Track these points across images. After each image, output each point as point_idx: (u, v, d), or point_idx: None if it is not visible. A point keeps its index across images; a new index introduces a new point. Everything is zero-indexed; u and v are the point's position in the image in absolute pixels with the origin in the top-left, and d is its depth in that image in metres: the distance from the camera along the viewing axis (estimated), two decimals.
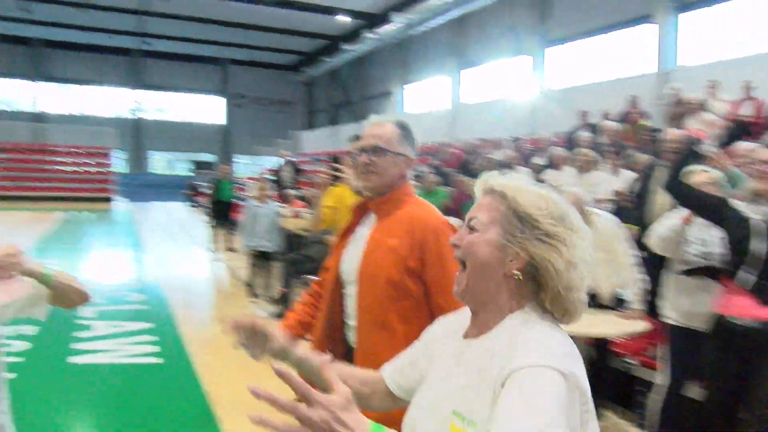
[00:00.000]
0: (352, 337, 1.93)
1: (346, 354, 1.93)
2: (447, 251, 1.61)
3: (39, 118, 29.63)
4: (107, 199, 22.35)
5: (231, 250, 11.19)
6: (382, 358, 1.42)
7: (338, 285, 1.99)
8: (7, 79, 31.45)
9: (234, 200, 11.22)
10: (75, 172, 24.25)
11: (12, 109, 31.28)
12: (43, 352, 5.07)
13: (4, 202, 19.33)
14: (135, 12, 24.03)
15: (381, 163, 1.90)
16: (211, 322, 6.61)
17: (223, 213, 11.17)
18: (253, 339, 1.50)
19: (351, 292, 1.93)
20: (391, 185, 1.94)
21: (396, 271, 1.82)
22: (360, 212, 2.03)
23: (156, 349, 5.33)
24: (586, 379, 0.99)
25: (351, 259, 1.94)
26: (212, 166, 26.07)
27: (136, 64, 32.94)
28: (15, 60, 31.41)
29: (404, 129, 1.96)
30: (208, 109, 35.87)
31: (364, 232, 1.96)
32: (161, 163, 35.52)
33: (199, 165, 31.60)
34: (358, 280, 1.88)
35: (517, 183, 1.12)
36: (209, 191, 12.26)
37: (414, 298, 1.84)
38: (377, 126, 1.97)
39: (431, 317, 1.62)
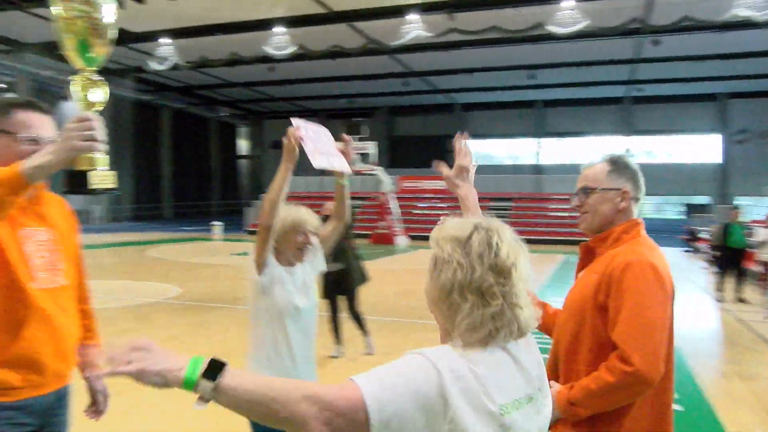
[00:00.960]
0: (560, 364, 1.91)
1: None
2: (631, 289, 1.70)
3: (538, 170, 33.23)
4: None
5: (741, 300, 10.19)
6: None
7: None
8: (514, 139, 36.53)
9: (745, 247, 10.24)
10: (570, 217, 26.21)
11: (516, 163, 36.05)
12: None
13: None
14: (629, 61, 24.72)
15: (590, 201, 1.90)
16: (732, 377, 6.13)
17: (732, 260, 10.29)
18: None
19: (566, 321, 1.91)
20: (610, 221, 1.90)
21: (587, 307, 1.80)
22: (585, 252, 1.99)
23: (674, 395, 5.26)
24: (458, 399, 1.05)
25: (571, 293, 1.95)
26: (707, 208, 24.29)
27: (626, 111, 33.67)
28: (521, 121, 36.24)
29: (615, 164, 1.92)
30: (701, 148, 33.73)
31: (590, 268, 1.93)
32: (650, 206, 35.01)
33: (693, 208, 29.83)
34: (563, 315, 1.89)
35: None
36: (714, 236, 11.48)
37: (605, 332, 1.77)
38: (586, 169, 1.97)
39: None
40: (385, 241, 22.03)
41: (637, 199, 1.93)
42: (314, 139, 2.28)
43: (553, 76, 27.94)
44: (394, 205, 23.74)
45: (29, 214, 1.89)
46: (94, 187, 1.54)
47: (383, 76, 28.89)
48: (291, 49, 21.28)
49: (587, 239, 1.98)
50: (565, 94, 32.96)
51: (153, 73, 25.90)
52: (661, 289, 1.77)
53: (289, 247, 2.53)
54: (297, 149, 2.24)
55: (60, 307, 1.92)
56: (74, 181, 1.53)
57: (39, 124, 1.83)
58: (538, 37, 20.11)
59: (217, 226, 26.19)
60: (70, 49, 1.52)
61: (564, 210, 26.30)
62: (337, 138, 2.48)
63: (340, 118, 36.53)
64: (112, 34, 1.52)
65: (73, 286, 2.02)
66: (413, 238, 24.09)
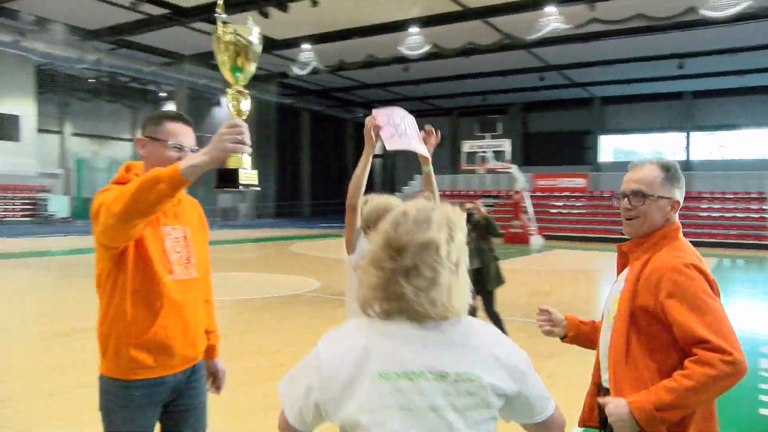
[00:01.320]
0: (604, 375, 1.95)
1: (597, 393, 1.99)
2: (685, 287, 1.73)
3: (686, 166, 30.81)
4: (763, 246, 21.11)
5: None
6: (627, 393, 1.70)
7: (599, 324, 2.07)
8: (658, 134, 34.15)
9: None
10: (722, 218, 24.05)
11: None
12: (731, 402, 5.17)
13: None
14: None
15: (643, 207, 1.89)
16: None
17: None
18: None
19: (605, 330, 1.95)
20: (656, 229, 1.91)
21: (634, 309, 1.82)
22: (623, 255, 2.01)
23: None
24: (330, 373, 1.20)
25: (609, 300, 2.00)
26: None
27: None
28: (666, 114, 33.82)
29: (669, 171, 1.92)
30: None
31: (626, 275, 1.94)
32: None
33: None
34: (614, 318, 1.89)
35: None
36: None
37: (656, 337, 1.79)
38: (638, 169, 1.94)
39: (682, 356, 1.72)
40: (519, 240, 21.58)
41: (680, 207, 1.95)
42: (395, 125, 2.45)
43: (704, 65, 25.80)
44: (528, 204, 23.19)
45: (169, 213, 2.13)
46: (241, 183, 1.73)
47: (518, 71, 28.27)
48: (425, 49, 21.47)
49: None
50: (718, 84, 30.27)
51: (294, 77, 27.26)
52: (711, 289, 1.78)
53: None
54: (374, 137, 2.43)
55: (190, 297, 2.13)
56: (224, 179, 1.74)
57: (183, 133, 2.12)
58: (690, 23, 18.67)
59: None
60: (224, 67, 1.76)
61: (716, 210, 24.22)
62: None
63: (473, 116, 36.26)
64: (258, 53, 1.74)
65: (202, 278, 2.22)
66: (548, 237, 23.37)
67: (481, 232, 6.01)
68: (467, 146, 23.90)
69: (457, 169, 36.89)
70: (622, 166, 35.08)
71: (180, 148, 2.09)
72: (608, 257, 17.92)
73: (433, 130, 2.57)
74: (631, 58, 25.25)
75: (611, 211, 24.79)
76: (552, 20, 18.58)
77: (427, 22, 20.61)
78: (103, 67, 25.13)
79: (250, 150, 1.71)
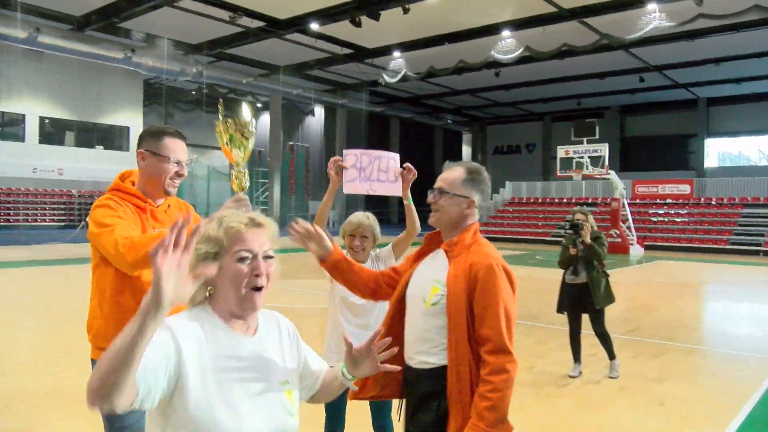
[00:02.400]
0: (408, 352, 2.13)
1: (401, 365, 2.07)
2: (493, 287, 1.99)
3: None
4: None
5: None
6: (466, 373, 1.98)
7: (402, 304, 2.19)
8: None
9: None
10: None
11: None
12: None
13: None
14: None
15: (442, 202, 2.13)
16: None
17: None
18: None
19: (414, 313, 2.12)
20: (455, 223, 2.14)
21: (465, 305, 2.00)
22: (431, 243, 2.22)
23: None
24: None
25: (420, 285, 2.13)
26: None
27: None
28: None
29: (471, 173, 2.15)
30: None
31: (433, 263, 2.16)
32: None
33: None
34: (448, 312, 2.02)
35: None
36: None
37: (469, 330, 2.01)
38: (448, 170, 2.19)
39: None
40: (618, 250, 20.56)
41: (480, 207, 2.18)
42: (361, 168, 2.58)
43: None
44: (627, 212, 22.08)
45: (158, 218, 2.32)
46: None
47: (616, 73, 27.09)
48: (518, 52, 20.98)
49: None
50: None
51: (384, 85, 27.46)
52: (512, 288, 2.05)
53: (347, 247, 3.13)
54: (335, 176, 2.58)
55: None
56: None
57: (181, 149, 2.31)
58: None
59: None
60: (226, 151, 2.04)
61: None
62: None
63: (567, 121, 35.13)
64: (253, 132, 2.05)
65: None
66: (648, 248, 22.15)
67: (587, 246, 5.56)
68: (562, 151, 23.06)
69: (549, 176, 35.85)
70: (729, 171, 32.96)
71: (178, 163, 2.29)
72: (716, 269, 16.71)
73: (411, 167, 2.66)
74: (743, 55, 23.59)
75: (719, 219, 23.15)
76: (654, 18, 17.62)
77: (520, 24, 20.13)
78: (203, 79, 26.35)
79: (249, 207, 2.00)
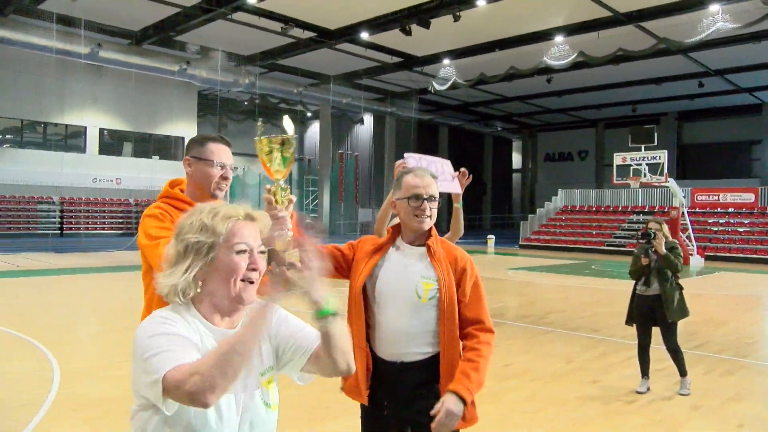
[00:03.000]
0: (396, 349, 2.27)
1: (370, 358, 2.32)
2: (478, 278, 2.38)
3: None
4: None
5: None
6: (456, 362, 2.22)
7: (363, 297, 2.33)
8: None
9: None
10: None
11: None
12: None
13: None
14: None
15: (435, 208, 2.34)
16: None
17: None
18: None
19: (402, 309, 2.26)
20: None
21: (455, 296, 2.27)
22: (394, 237, 2.39)
23: None
24: None
25: (403, 282, 2.28)
26: None
27: None
28: None
29: (435, 178, 2.38)
30: None
31: (409, 260, 2.33)
32: None
33: None
34: (441, 304, 2.24)
35: None
36: None
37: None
38: (426, 177, 2.35)
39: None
40: None
41: None
42: (427, 166, 2.74)
43: None
44: (687, 221, 21.27)
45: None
46: (287, 263, 1.87)
47: (673, 78, 26.23)
48: (571, 58, 20.54)
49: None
50: None
51: (434, 93, 27.35)
52: None
53: None
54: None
55: None
56: (271, 256, 1.85)
57: (224, 153, 2.34)
58: None
59: (491, 239, 26.50)
60: (266, 167, 1.99)
61: None
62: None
63: (620, 127, 34.27)
64: (294, 146, 1.97)
65: None
66: (708, 258, 21.28)
67: (662, 256, 5.29)
68: (619, 158, 22.39)
69: (602, 184, 34.94)
70: None
71: (222, 167, 2.32)
72: None
73: (467, 172, 2.98)
74: None
75: None
76: (717, 20, 16.97)
77: (574, 30, 19.70)
78: (255, 89, 26.80)
79: (291, 234, 1.91)
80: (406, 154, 2.80)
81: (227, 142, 2.38)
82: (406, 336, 2.25)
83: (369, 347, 2.33)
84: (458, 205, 3.04)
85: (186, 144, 2.40)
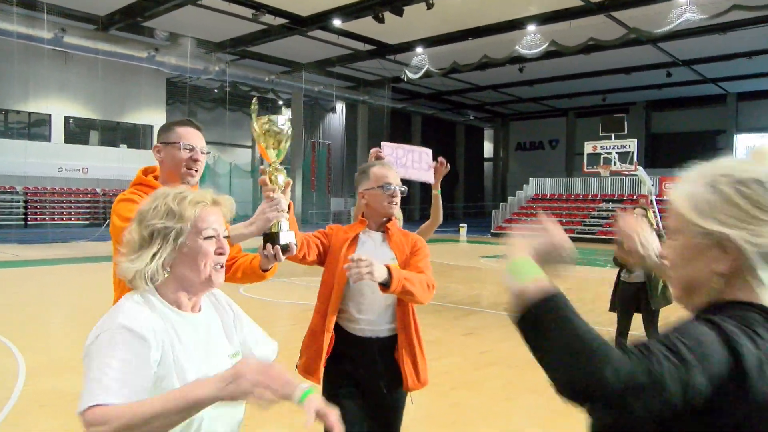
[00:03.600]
0: (353, 325, 2.60)
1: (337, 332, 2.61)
2: (427, 249, 2.69)
3: None
4: None
5: None
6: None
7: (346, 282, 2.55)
8: None
9: None
10: None
11: None
12: None
13: None
14: None
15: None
16: None
17: None
18: None
19: (377, 291, 2.39)
20: None
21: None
22: (364, 225, 2.67)
23: None
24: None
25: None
26: None
27: None
28: None
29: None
30: None
31: (372, 244, 2.63)
32: None
33: None
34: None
35: None
36: None
37: None
38: (391, 169, 2.68)
39: None
40: None
41: None
42: (397, 158, 2.91)
43: None
44: (655, 209, 21.63)
45: None
46: (281, 243, 2.04)
47: (642, 68, 26.59)
48: (543, 47, 20.65)
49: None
50: None
51: (407, 82, 27.28)
52: None
53: None
54: None
55: None
56: (267, 240, 2.05)
57: (193, 135, 2.29)
58: None
59: (463, 227, 26.64)
60: (262, 149, 2.06)
61: None
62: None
63: (591, 116, 34.67)
64: (288, 135, 2.06)
65: None
66: None
67: None
68: (590, 147, 22.65)
69: (572, 172, 35.34)
70: None
71: (191, 149, 2.25)
72: None
73: (444, 161, 3.06)
74: None
75: None
76: (685, 11, 17.20)
77: (546, 19, 19.80)
78: (226, 77, 26.39)
79: (287, 216, 2.04)
80: (383, 144, 2.86)
81: (197, 126, 2.35)
82: (376, 314, 2.57)
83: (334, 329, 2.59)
84: (437, 192, 3.12)
85: (158, 133, 2.36)
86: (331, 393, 2.58)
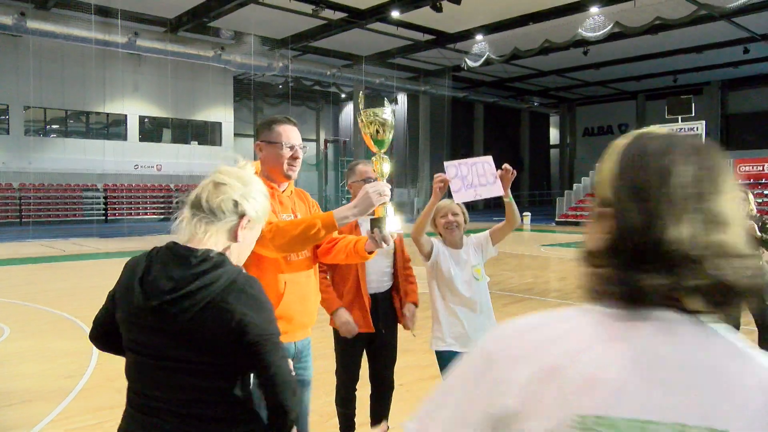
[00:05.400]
0: (376, 284, 3.32)
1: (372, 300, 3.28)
2: None
3: None
4: None
5: None
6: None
7: None
8: None
9: None
10: None
11: None
12: None
13: None
14: None
15: None
16: None
17: None
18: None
19: (379, 255, 3.05)
20: None
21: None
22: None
23: None
24: None
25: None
26: None
27: None
28: None
29: None
30: None
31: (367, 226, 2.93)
32: None
33: None
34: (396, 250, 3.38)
35: None
36: None
37: None
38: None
39: None
40: None
41: None
42: (462, 177, 2.82)
43: None
44: None
45: (285, 204, 2.51)
46: (387, 229, 2.19)
47: (715, 45, 25.35)
48: (607, 29, 20.05)
49: None
50: None
51: (467, 70, 27.08)
52: None
53: (442, 230, 3.26)
54: (439, 191, 2.92)
55: (306, 274, 2.48)
56: (373, 225, 2.20)
57: (292, 133, 2.45)
58: None
59: (527, 216, 26.27)
60: (368, 139, 2.19)
61: None
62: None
63: (662, 98, 33.33)
64: (392, 125, 2.18)
65: (311, 257, 2.53)
66: None
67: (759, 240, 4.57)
68: None
69: None
70: None
71: (291, 147, 2.42)
72: None
73: (509, 168, 2.94)
74: None
75: None
76: None
77: (610, 0, 19.22)
78: (289, 73, 27.01)
79: (389, 199, 2.15)
80: (445, 164, 2.85)
81: (293, 123, 2.50)
82: (378, 276, 3.31)
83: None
84: (509, 200, 3.02)
85: (255, 129, 2.55)
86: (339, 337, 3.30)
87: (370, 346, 3.35)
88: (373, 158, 2.20)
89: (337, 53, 27.04)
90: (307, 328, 2.53)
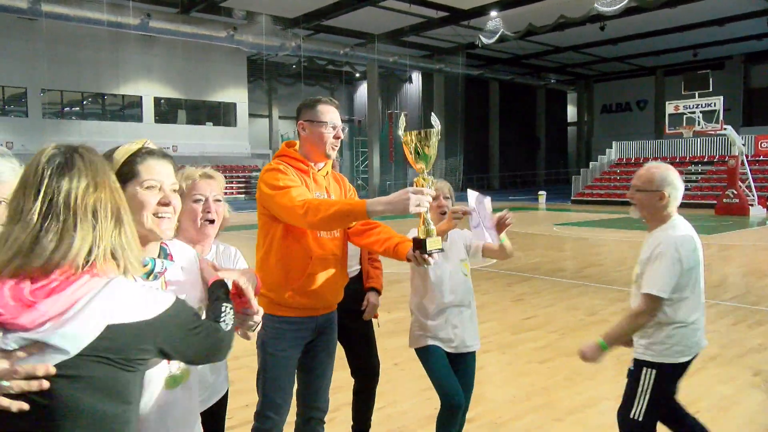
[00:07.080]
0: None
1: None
2: None
3: None
4: None
5: None
6: None
7: None
8: None
9: None
10: None
11: None
12: None
13: None
14: None
15: None
16: None
17: None
18: None
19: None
20: None
21: None
22: None
23: None
24: None
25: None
26: None
27: None
28: None
29: None
30: None
31: None
32: None
33: None
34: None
35: None
36: None
37: None
38: None
39: None
40: (734, 211, 19.04)
41: None
42: (479, 211, 2.68)
43: None
44: (747, 170, 20.31)
45: (320, 184, 2.56)
46: (428, 250, 2.17)
47: (738, 17, 24.71)
48: (624, 3, 19.64)
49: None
50: None
51: (482, 47, 26.77)
52: None
53: (435, 212, 2.99)
54: (452, 220, 2.76)
55: (332, 252, 2.52)
56: (416, 246, 2.20)
57: (335, 114, 2.51)
58: None
59: (542, 195, 26.07)
60: (411, 160, 2.20)
61: None
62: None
63: (681, 74, 32.70)
64: (436, 146, 2.17)
65: (341, 237, 2.58)
66: None
67: None
68: (671, 107, 21.47)
69: (662, 135, 33.56)
70: None
71: (335, 127, 2.49)
72: None
73: (508, 216, 2.72)
74: None
75: None
76: None
77: None
78: (302, 52, 26.93)
79: (426, 209, 2.10)
80: (468, 191, 2.75)
81: (335, 103, 2.57)
82: (352, 258, 3.04)
83: None
84: (502, 242, 2.80)
85: (297, 108, 2.58)
86: None
87: (343, 338, 3.05)
88: (418, 179, 2.16)
89: (350, 32, 26.87)
90: (331, 304, 2.61)
